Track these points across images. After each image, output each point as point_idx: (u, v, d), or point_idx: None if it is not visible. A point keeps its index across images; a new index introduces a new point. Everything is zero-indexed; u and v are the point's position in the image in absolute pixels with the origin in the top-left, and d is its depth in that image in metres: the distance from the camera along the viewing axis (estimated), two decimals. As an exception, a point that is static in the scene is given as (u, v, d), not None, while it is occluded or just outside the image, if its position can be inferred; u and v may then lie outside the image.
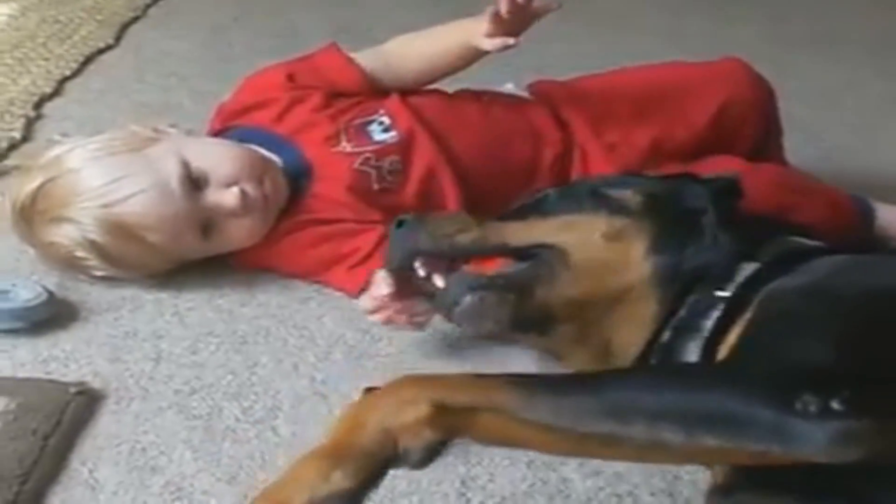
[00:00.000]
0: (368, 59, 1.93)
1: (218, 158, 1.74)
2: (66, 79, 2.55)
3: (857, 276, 1.36)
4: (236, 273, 1.79)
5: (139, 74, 2.64)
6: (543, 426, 1.27)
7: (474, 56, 1.89)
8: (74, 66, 2.62)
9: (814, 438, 1.12)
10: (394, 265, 1.59)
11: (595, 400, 1.24)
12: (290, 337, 1.66)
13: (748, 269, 1.45)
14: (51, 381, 1.51)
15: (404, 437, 1.35)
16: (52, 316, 1.65)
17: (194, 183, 1.70)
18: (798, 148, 2.17)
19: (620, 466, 1.42)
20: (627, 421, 1.21)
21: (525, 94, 2.04)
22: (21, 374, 1.54)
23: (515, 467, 1.42)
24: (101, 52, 2.75)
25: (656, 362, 1.45)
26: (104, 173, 1.69)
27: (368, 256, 1.75)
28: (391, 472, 1.38)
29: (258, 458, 1.41)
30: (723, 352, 1.35)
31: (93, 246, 1.69)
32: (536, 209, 1.60)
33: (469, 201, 1.84)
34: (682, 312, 1.46)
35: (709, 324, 1.42)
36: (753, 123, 1.99)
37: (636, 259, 1.49)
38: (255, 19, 3.11)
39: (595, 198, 1.56)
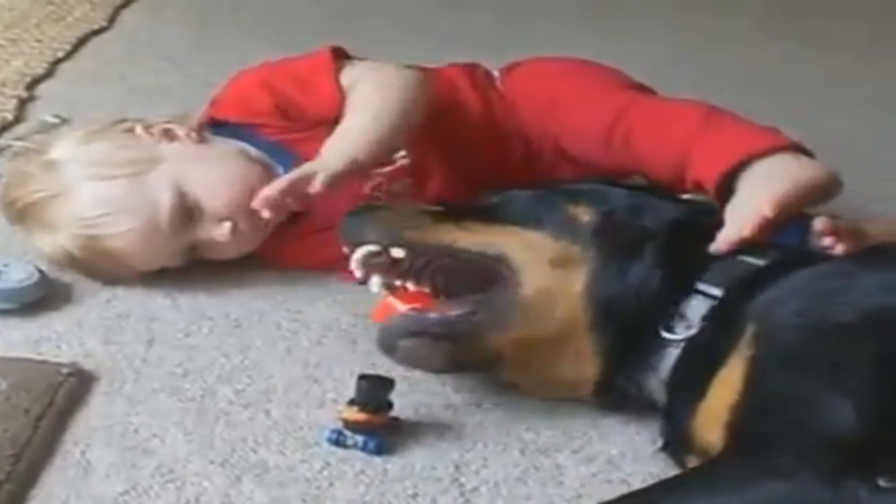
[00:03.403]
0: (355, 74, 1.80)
1: (217, 191, 1.70)
2: (58, 60, 2.54)
3: (858, 297, 1.31)
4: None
5: (132, 57, 2.63)
6: None
7: None
8: (67, 47, 2.61)
9: None
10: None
11: None
12: (283, 321, 1.66)
13: (697, 303, 1.42)
14: (43, 362, 1.50)
15: None
16: (44, 297, 1.64)
17: (187, 215, 1.69)
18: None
19: (614, 452, 1.42)
20: None
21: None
22: (13, 354, 1.52)
23: (509, 453, 1.42)
24: (94, 34, 2.73)
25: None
26: (98, 204, 1.67)
27: None
28: (384, 456, 1.39)
29: (251, 440, 1.41)
30: (721, 394, 1.30)
31: (74, 261, 1.69)
32: (497, 211, 1.55)
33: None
34: (632, 354, 1.43)
35: (665, 367, 1.40)
36: None
37: (574, 292, 1.45)
38: (249, 4, 3.10)
39: (553, 211, 1.52)
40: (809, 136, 1.68)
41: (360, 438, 1.40)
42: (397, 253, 1.52)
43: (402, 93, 1.75)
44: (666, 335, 1.41)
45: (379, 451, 1.39)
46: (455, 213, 1.57)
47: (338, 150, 1.66)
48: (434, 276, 1.52)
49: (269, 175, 1.73)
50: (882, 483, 1.13)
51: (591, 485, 1.38)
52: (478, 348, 1.45)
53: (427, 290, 1.53)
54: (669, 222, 1.50)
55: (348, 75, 1.77)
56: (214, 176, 1.73)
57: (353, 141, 1.68)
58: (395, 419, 1.44)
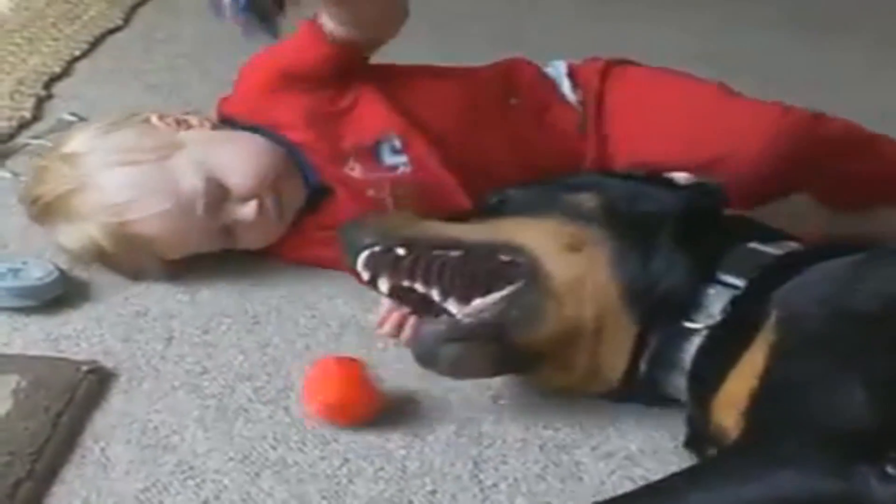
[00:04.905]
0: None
1: (241, 171, 1.71)
2: (75, 59, 2.54)
3: (880, 287, 1.31)
4: (248, 253, 1.78)
5: (148, 55, 2.63)
6: None
7: None
8: (84, 46, 2.61)
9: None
10: (353, 267, 1.54)
11: None
12: (301, 317, 1.66)
13: (715, 292, 1.41)
14: (62, 360, 1.51)
15: None
16: (63, 294, 1.65)
17: (215, 199, 1.69)
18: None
19: (633, 449, 1.42)
20: None
21: (567, 92, 1.87)
22: (32, 352, 1.53)
23: (528, 449, 1.42)
24: (110, 32, 2.73)
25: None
26: (126, 189, 1.67)
27: None
28: (402, 452, 1.39)
29: (270, 437, 1.41)
30: (741, 381, 1.30)
31: (102, 254, 1.69)
32: (499, 208, 1.55)
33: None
34: (653, 343, 1.42)
35: (687, 357, 1.40)
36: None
37: (601, 277, 1.42)
38: (264, 1, 3.10)
39: (556, 200, 1.51)
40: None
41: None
42: (399, 250, 1.50)
43: None
44: (688, 324, 1.40)
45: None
46: (456, 216, 1.56)
47: None
48: (442, 275, 1.49)
49: (288, 157, 1.75)
50: (892, 471, 1.13)
51: (610, 481, 1.37)
52: (519, 345, 1.41)
53: (436, 290, 1.49)
54: (678, 209, 1.50)
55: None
56: (237, 156, 1.73)
57: None
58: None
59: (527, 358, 1.43)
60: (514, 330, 1.41)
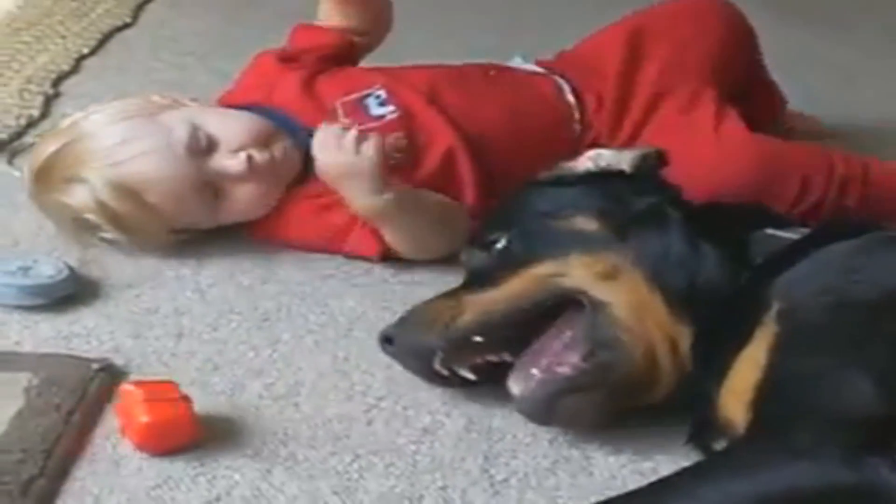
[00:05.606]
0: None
1: (229, 125, 1.78)
2: (83, 56, 2.54)
3: (879, 274, 1.32)
4: (257, 250, 1.80)
5: (156, 52, 2.63)
6: None
7: None
8: (92, 43, 2.61)
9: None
10: (423, 377, 1.50)
11: None
12: (311, 314, 1.66)
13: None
14: (73, 357, 1.51)
15: None
16: (73, 292, 1.65)
17: (202, 147, 1.73)
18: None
19: (643, 443, 1.42)
20: None
21: (534, 67, 2.03)
22: (43, 350, 1.54)
23: (538, 444, 1.42)
24: (118, 30, 2.73)
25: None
26: (116, 135, 1.74)
27: None
28: (413, 447, 1.40)
29: (281, 433, 1.41)
30: (746, 372, 1.30)
31: (102, 208, 1.71)
32: (506, 262, 1.51)
33: (487, 178, 1.83)
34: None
35: None
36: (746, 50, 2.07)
37: (643, 290, 1.42)
38: (272, -1, 3.11)
39: (556, 236, 1.50)
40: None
41: None
42: (476, 338, 1.46)
43: None
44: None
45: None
46: (475, 281, 1.52)
47: None
48: (507, 338, 1.46)
49: (276, 130, 1.81)
50: None
51: (620, 475, 1.38)
52: (620, 383, 1.40)
53: (507, 354, 1.46)
54: (669, 197, 1.52)
55: None
56: (226, 115, 1.82)
57: None
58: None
59: (626, 391, 1.42)
60: (610, 369, 1.40)
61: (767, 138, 1.91)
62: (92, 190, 1.70)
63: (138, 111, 1.79)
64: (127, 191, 1.70)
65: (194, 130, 1.73)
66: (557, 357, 1.42)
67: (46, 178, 1.75)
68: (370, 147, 1.67)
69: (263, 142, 1.77)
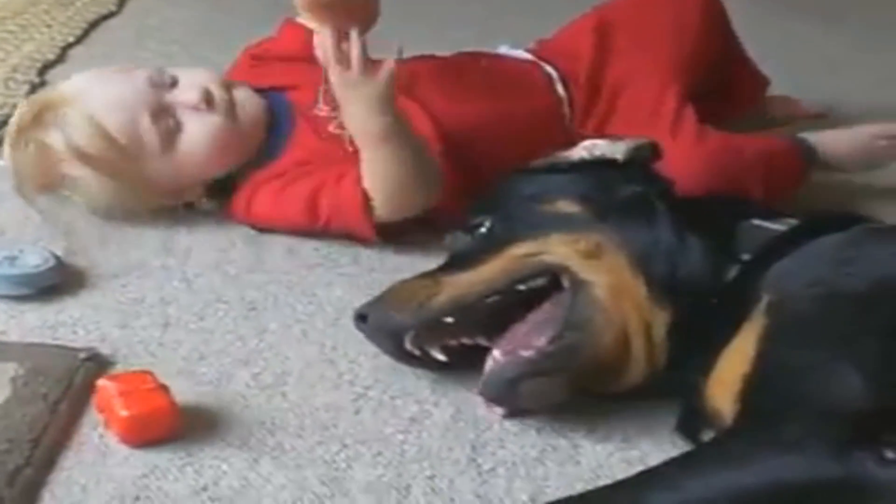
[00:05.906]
0: None
1: (193, 70, 1.86)
2: (69, 45, 2.55)
3: (868, 267, 1.32)
4: (244, 239, 1.80)
5: (141, 41, 2.63)
6: None
7: None
8: (78, 32, 2.61)
9: (883, 490, 1.14)
10: (395, 357, 1.49)
11: None
12: (298, 303, 1.66)
13: (734, 271, 1.42)
14: (59, 347, 1.51)
15: None
16: (59, 282, 1.64)
17: (165, 83, 1.81)
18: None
19: (630, 431, 1.43)
20: None
21: (523, 54, 2.04)
22: (29, 340, 1.53)
23: (525, 433, 1.42)
24: (103, 18, 2.74)
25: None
26: (87, 79, 1.84)
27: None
28: (401, 437, 1.39)
29: (268, 423, 1.41)
30: (734, 363, 1.31)
31: (82, 155, 1.75)
32: (487, 245, 1.51)
33: (467, 167, 1.82)
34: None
35: None
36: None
37: (626, 272, 1.42)
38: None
39: (537, 217, 1.50)
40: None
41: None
42: (448, 319, 1.46)
43: None
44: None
45: None
46: (456, 263, 1.52)
47: None
48: (483, 321, 1.46)
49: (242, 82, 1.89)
50: (889, 455, 1.14)
51: (608, 464, 1.38)
52: (585, 365, 1.40)
53: (482, 338, 1.46)
54: (658, 187, 1.52)
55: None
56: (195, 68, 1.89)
57: None
58: None
59: (591, 374, 1.42)
60: (576, 352, 1.40)
61: (722, 136, 1.91)
62: (64, 127, 1.75)
63: (114, 69, 1.87)
64: (96, 125, 1.75)
65: (159, 69, 1.82)
66: (525, 338, 1.42)
67: (23, 130, 1.79)
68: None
69: (225, 85, 1.83)
